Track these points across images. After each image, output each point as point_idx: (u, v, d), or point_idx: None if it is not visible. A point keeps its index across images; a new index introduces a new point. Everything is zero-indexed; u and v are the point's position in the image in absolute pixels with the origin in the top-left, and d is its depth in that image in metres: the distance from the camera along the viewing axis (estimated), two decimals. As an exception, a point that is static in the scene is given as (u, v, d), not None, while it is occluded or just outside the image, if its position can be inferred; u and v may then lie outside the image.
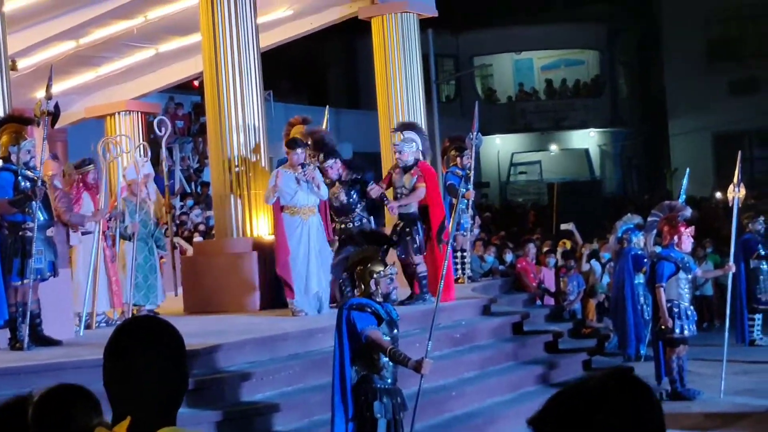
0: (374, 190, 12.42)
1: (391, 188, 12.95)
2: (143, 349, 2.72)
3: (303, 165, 11.94)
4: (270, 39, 16.30)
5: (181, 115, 23.02)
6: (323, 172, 12.35)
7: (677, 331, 12.17)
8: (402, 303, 12.26)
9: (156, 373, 2.70)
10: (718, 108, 38.30)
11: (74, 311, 11.38)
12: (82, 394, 3.24)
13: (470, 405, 10.45)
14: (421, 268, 12.51)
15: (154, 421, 2.67)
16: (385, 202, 12.60)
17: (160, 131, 15.02)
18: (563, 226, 20.60)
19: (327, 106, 15.05)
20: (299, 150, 11.93)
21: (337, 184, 12.42)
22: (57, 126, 11.87)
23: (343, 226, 12.33)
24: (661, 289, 12.17)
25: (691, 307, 12.43)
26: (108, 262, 12.22)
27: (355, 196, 12.41)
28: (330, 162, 12.40)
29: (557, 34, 40.95)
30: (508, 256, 18.56)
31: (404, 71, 15.93)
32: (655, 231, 13.20)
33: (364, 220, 12.49)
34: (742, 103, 37.71)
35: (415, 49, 16.16)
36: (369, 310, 7.46)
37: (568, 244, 19.91)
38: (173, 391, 2.75)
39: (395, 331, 7.68)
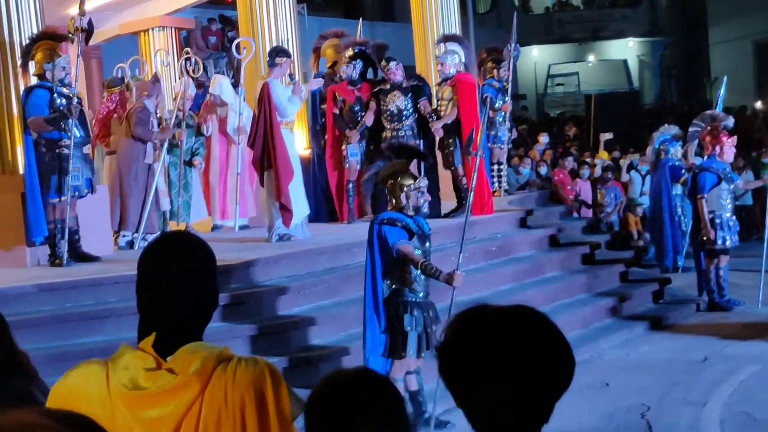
0: (425, 107, 12.35)
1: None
2: (172, 264, 2.72)
3: (291, 77, 11.76)
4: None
5: (215, 30, 22.88)
6: (386, 74, 12.44)
7: (719, 242, 12.12)
8: (446, 215, 12.31)
9: (184, 288, 2.69)
10: (760, 15, 37.54)
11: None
12: None
13: (506, 317, 10.47)
14: (465, 180, 12.43)
15: (180, 336, 2.67)
16: (430, 120, 12.48)
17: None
18: (603, 137, 20.46)
19: (360, 19, 14.91)
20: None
21: (395, 88, 12.35)
22: (91, 43, 11.89)
23: (394, 133, 12.26)
24: (703, 201, 12.11)
25: (734, 218, 12.37)
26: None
27: (410, 104, 12.34)
28: (393, 64, 12.34)
29: (595, -59, 40.19)
30: (543, 169, 18.46)
31: (439, -18, 15.69)
32: (696, 141, 13.08)
33: (414, 131, 12.40)
34: (785, 10, 36.95)
35: (450, -40, 15.89)
36: (399, 224, 7.47)
37: (604, 155, 19.81)
38: (201, 306, 2.74)
39: (427, 244, 7.69)
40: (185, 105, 12.18)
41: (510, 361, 1.98)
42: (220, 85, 12.97)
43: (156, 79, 12.49)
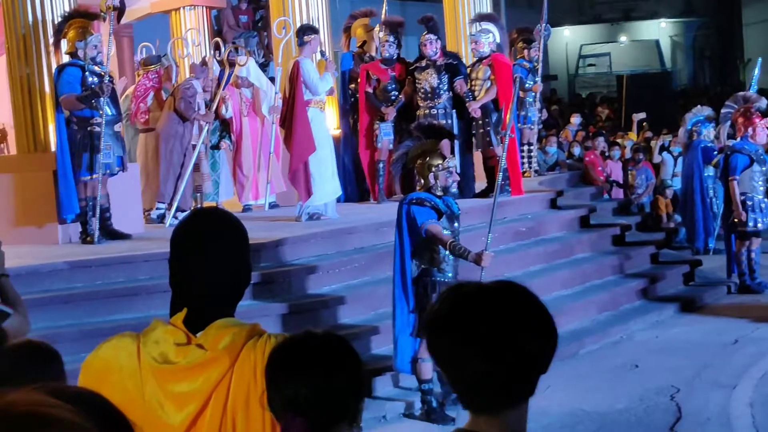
0: (461, 86, 12.30)
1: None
2: (203, 240, 2.71)
3: (323, 53, 11.75)
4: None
5: (245, 9, 22.88)
6: (420, 46, 12.38)
7: (750, 224, 12.06)
8: (477, 195, 12.29)
9: (215, 265, 2.69)
10: (796, -5, 37.17)
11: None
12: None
13: (536, 297, 10.45)
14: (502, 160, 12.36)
15: (211, 313, 2.67)
16: (467, 100, 12.41)
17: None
18: (636, 117, 20.37)
19: None
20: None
21: (429, 66, 12.32)
22: (123, 21, 11.90)
23: (427, 111, 12.23)
24: (734, 182, 12.04)
25: (765, 200, 12.28)
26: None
27: (444, 82, 12.28)
28: (429, 37, 12.31)
29: None
30: (576, 150, 18.37)
31: (470, -39, 15.57)
32: (728, 123, 12.98)
33: (448, 110, 12.34)
34: (821, -10, 36.53)
35: (481, -62, 15.77)
36: (428, 204, 7.47)
37: (633, 136, 19.70)
38: (233, 283, 2.74)
39: (456, 224, 7.69)
40: (213, 86, 12.23)
41: (493, 336, 1.99)
42: (248, 67, 12.99)
43: (204, 62, 12.64)
